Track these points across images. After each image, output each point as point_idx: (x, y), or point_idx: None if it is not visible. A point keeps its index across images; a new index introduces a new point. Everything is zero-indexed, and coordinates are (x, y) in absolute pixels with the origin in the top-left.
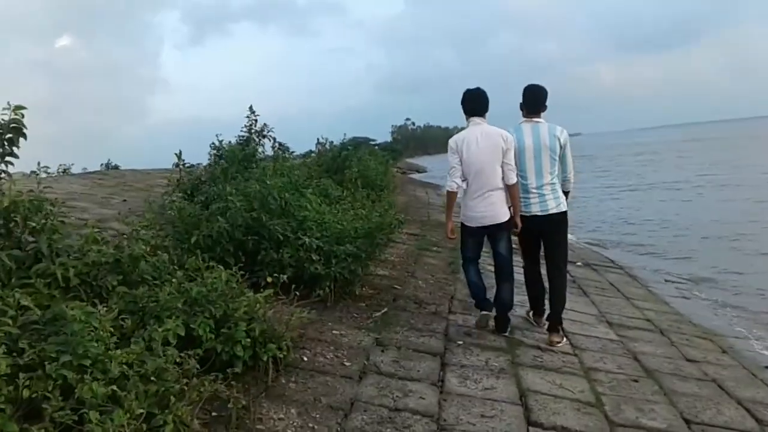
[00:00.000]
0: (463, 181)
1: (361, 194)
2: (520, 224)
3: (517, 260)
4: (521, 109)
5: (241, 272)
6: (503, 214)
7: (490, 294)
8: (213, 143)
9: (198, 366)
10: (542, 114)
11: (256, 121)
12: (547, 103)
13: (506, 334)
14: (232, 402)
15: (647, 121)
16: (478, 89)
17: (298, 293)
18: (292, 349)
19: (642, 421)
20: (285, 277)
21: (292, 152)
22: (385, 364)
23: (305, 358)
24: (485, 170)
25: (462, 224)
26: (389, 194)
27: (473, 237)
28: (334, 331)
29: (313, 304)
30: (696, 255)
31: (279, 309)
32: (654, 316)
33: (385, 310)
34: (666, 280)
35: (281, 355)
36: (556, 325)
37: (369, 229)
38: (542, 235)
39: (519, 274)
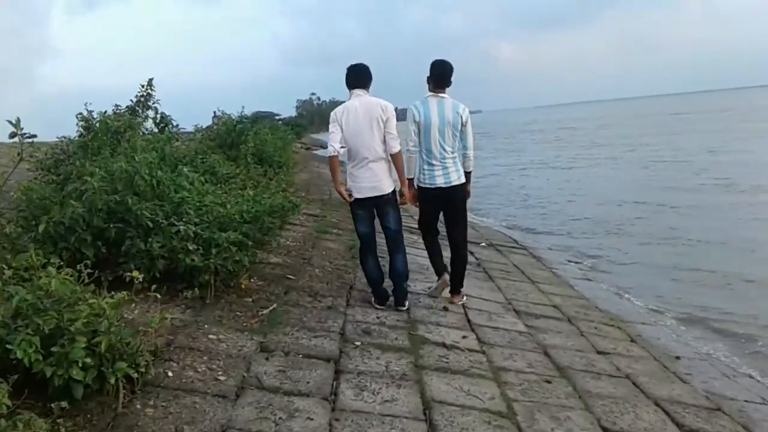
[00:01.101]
0: (342, 147)
1: (256, 172)
2: (408, 194)
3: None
4: (428, 82)
5: (100, 267)
6: (388, 185)
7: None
8: (80, 113)
9: (8, 402)
10: (447, 90)
11: (148, 93)
12: (452, 79)
13: (404, 307)
14: None
15: (548, 99)
16: (360, 64)
17: (170, 290)
18: (155, 363)
19: None
20: (153, 272)
21: (177, 125)
22: (268, 376)
23: (170, 374)
24: (365, 140)
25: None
26: (288, 172)
27: (361, 209)
28: (210, 336)
29: (189, 302)
30: (592, 234)
31: (144, 311)
32: (560, 302)
33: (274, 306)
34: (568, 261)
35: (136, 375)
36: (457, 287)
37: (257, 213)
38: (445, 206)
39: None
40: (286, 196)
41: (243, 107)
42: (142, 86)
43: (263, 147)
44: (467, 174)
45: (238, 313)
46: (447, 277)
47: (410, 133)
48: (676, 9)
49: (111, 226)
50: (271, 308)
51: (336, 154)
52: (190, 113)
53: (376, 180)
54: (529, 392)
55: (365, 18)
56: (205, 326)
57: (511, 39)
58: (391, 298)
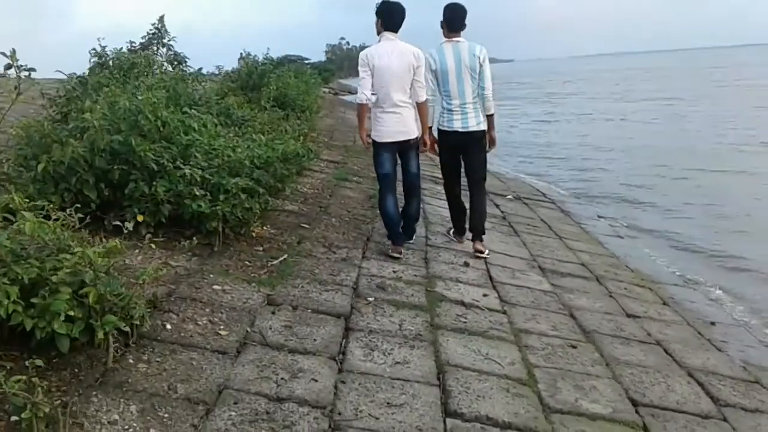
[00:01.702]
0: (373, 94)
1: (276, 115)
2: (429, 141)
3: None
4: (442, 27)
5: (104, 210)
6: (413, 130)
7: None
8: (94, 48)
9: None
10: (462, 33)
11: (159, 30)
12: (474, 25)
13: (412, 241)
14: (29, 407)
15: (582, 49)
16: (396, 2)
17: (177, 236)
18: (153, 315)
19: (582, 405)
20: (158, 217)
21: (200, 69)
22: (273, 332)
23: (168, 326)
24: (395, 85)
25: (374, 141)
26: (311, 116)
27: (386, 152)
28: (215, 286)
29: (196, 250)
30: (627, 189)
31: (147, 258)
32: (589, 260)
33: (285, 257)
34: (599, 216)
35: (126, 327)
36: (479, 234)
37: (269, 159)
38: (463, 152)
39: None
40: (304, 141)
41: (268, 49)
42: (153, 24)
43: (286, 90)
44: (489, 117)
45: (246, 262)
46: (465, 239)
47: (427, 82)
48: None
49: (114, 167)
50: (281, 258)
51: (367, 102)
52: (223, 55)
53: (403, 125)
54: (552, 358)
55: None
56: (211, 276)
57: None
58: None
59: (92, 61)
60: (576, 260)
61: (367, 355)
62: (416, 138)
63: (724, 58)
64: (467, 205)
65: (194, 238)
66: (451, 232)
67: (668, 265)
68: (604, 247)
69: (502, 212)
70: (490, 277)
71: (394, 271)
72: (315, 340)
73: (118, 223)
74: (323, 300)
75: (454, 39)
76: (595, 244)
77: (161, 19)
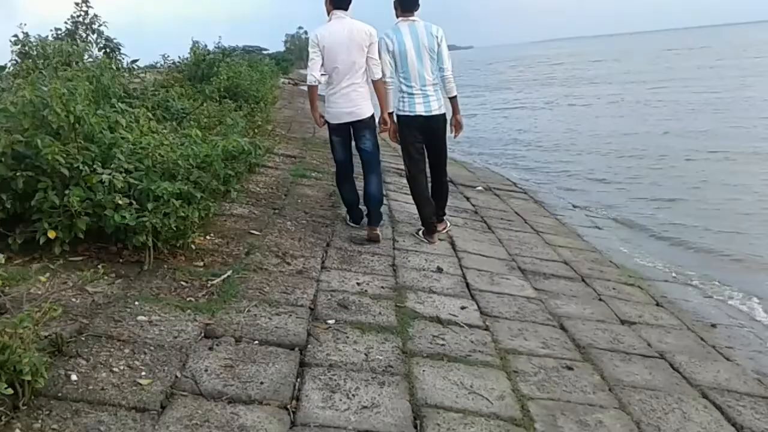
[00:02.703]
0: (322, 75)
1: (227, 107)
2: (387, 120)
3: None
4: (395, 8)
5: (9, 226)
6: (366, 110)
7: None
8: (15, 35)
9: None
10: (416, 13)
11: (86, 12)
12: (430, 9)
13: (378, 230)
14: None
15: (542, 34)
16: None
17: (102, 253)
18: (53, 364)
19: None
20: (74, 231)
21: (130, 58)
22: (210, 375)
23: (74, 377)
24: (346, 64)
25: (327, 123)
26: (267, 107)
27: (338, 135)
28: (140, 317)
29: (122, 269)
30: (598, 177)
31: (61, 283)
32: (571, 256)
33: (228, 273)
34: (573, 206)
35: (9, 390)
36: (440, 215)
37: (206, 158)
38: (426, 137)
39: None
40: (254, 135)
41: (220, 37)
42: (77, 4)
43: (238, 80)
44: (452, 100)
45: (182, 283)
46: (434, 239)
47: (385, 64)
48: None
49: (18, 174)
50: (224, 276)
51: (316, 83)
52: (176, 47)
53: (353, 105)
54: (547, 385)
55: None
56: (136, 303)
57: None
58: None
59: (13, 50)
60: (557, 258)
61: (327, 399)
62: (368, 117)
63: (683, 40)
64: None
65: (122, 255)
66: (421, 232)
67: (653, 259)
68: (583, 240)
69: (474, 206)
70: (467, 284)
71: (358, 283)
72: (262, 383)
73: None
74: (273, 327)
75: (410, 18)
76: (574, 237)
77: None
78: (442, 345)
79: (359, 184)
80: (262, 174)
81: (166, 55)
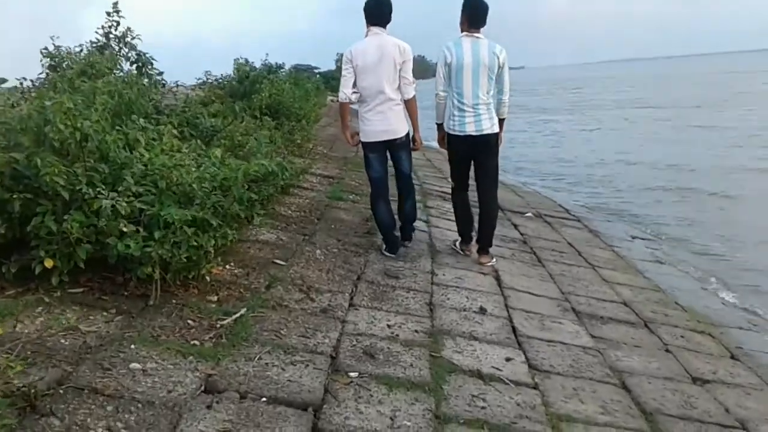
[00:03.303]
0: (354, 93)
1: (268, 124)
2: (419, 140)
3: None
4: (461, 24)
5: (5, 253)
6: (402, 129)
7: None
8: (45, 48)
9: None
10: (482, 30)
11: (117, 23)
12: (491, 26)
13: (408, 244)
14: None
15: (595, 56)
16: None
17: (107, 284)
18: (21, 423)
19: None
20: (73, 260)
21: (158, 72)
22: None
23: None
24: (380, 82)
25: (362, 142)
26: (310, 125)
27: (373, 152)
28: (133, 365)
29: (125, 303)
30: (654, 202)
31: (55, 318)
32: (631, 296)
33: (242, 312)
34: (633, 237)
35: None
36: (486, 247)
37: (223, 181)
38: (475, 157)
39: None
40: (289, 153)
41: (267, 54)
42: (108, 14)
43: (280, 97)
44: (501, 121)
45: (189, 321)
46: (472, 248)
47: (439, 77)
48: None
49: (15, 196)
50: (237, 315)
51: (347, 101)
52: (227, 64)
53: (388, 123)
54: None
55: None
56: (132, 346)
57: None
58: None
59: (44, 63)
60: (616, 298)
61: None
62: (404, 136)
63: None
64: (476, 215)
65: (127, 287)
66: (457, 243)
67: (724, 300)
68: (644, 276)
69: (522, 234)
70: (514, 329)
71: (389, 325)
72: None
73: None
74: (286, 380)
75: (474, 35)
76: (633, 273)
77: (115, 5)
78: (483, 408)
79: (394, 207)
80: (296, 196)
81: (208, 72)
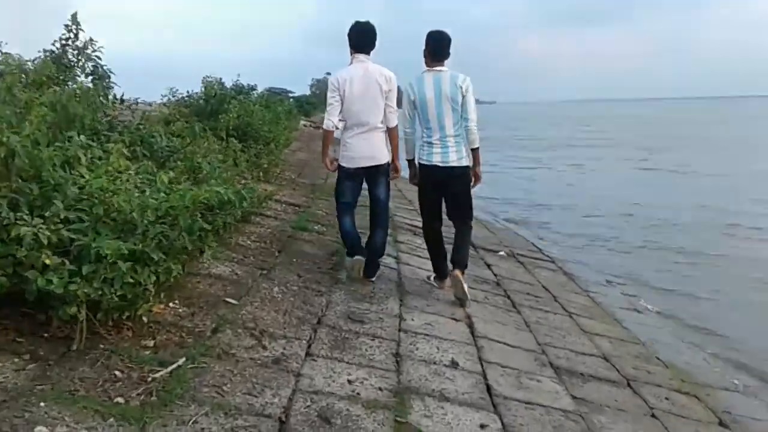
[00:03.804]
0: (340, 121)
1: (233, 146)
2: (398, 167)
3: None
4: (425, 57)
5: None
6: (383, 156)
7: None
8: None
9: None
10: (446, 62)
11: (76, 34)
12: (456, 64)
13: (373, 279)
14: None
15: (566, 94)
16: (367, 23)
17: (28, 322)
18: None
19: None
20: None
21: (123, 92)
22: None
23: None
24: (365, 109)
25: (339, 166)
26: (278, 149)
27: (351, 180)
28: (38, 429)
29: (44, 347)
30: (625, 242)
31: None
32: (611, 349)
33: (180, 362)
34: (607, 281)
35: None
36: (461, 263)
37: (169, 210)
38: (444, 190)
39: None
40: (245, 180)
41: (239, 75)
42: (66, 26)
43: (249, 119)
44: (474, 151)
45: (116, 373)
46: (446, 285)
47: (405, 114)
48: (704, 12)
49: None
50: (173, 366)
51: (333, 129)
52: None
53: (373, 150)
54: None
55: (392, 1)
56: (43, 403)
57: (535, 33)
58: (360, 269)
59: None
60: (595, 351)
61: None
62: (386, 163)
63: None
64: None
65: (50, 327)
66: (431, 278)
67: (706, 358)
68: (623, 327)
69: (495, 275)
70: (488, 387)
71: (350, 381)
72: None
73: None
74: None
75: (436, 68)
76: (611, 322)
77: (74, 17)
78: None
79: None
80: (258, 224)
81: (174, 89)
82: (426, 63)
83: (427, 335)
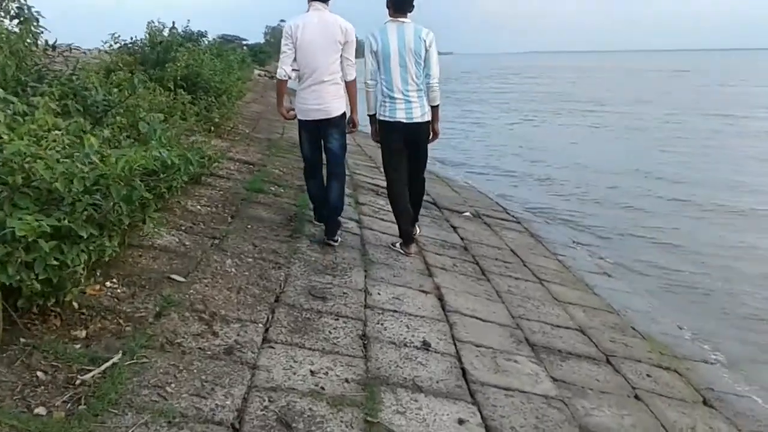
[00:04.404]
0: (294, 71)
1: (182, 98)
2: (356, 122)
3: None
4: (387, 7)
5: None
6: (336, 109)
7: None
8: None
9: None
10: (409, 15)
11: None
12: (418, 8)
13: (335, 241)
14: None
15: (525, 46)
16: None
17: None
18: None
19: None
20: None
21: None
22: None
23: None
24: (319, 60)
25: (298, 119)
26: (231, 101)
27: (306, 131)
28: None
29: None
30: (578, 192)
31: None
32: (585, 320)
33: (116, 359)
34: (574, 242)
35: None
36: (413, 221)
37: (99, 179)
38: (407, 144)
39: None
40: (189, 139)
41: (189, 21)
42: None
43: (198, 68)
44: (434, 108)
45: (39, 374)
46: (411, 249)
47: (367, 65)
48: None
49: None
50: (108, 363)
51: (286, 78)
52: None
53: (322, 102)
54: None
55: None
56: None
57: None
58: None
59: None
60: (571, 323)
61: None
62: (339, 116)
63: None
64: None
65: None
66: (397, 244)
67: (680, 325)
68: (594, 293)
69: (462, 239)
70: (463, 371)
71: (312, 371)
72: None
73: None
74: None
75: (400, 19)
76: (583, 288)
77: None
78: None
79: None
80: (209, 186)
81: (116, 35)
82: (389, 14)
83: (396, 312)
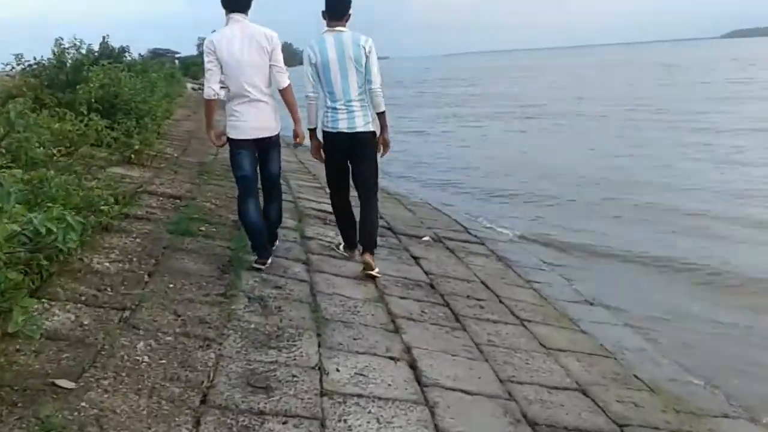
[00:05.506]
0: (222, 88)
1: (95, 125)
2: (300, 133)
3: None
4: (323, 17)
5: None
6: (275, 127)
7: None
8: None
9: None
10: (347, 23)
11: None
12: (354, 15)
13: (274, 247)
14: None
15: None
16: None
17: None
18: None
19: None
20: None
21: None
22: None
23: None
24: (247, 74)
25: (229, 139)
26: (155, 123)
27: (243, 149)
28: None
29: None
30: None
31: None
32: (584, 374)
33: None
34: (544, 262)
35: None
36: (371, 248)
37: None
38: (351, 157)
39: None
40: (94, 184)
41: (106, 36)
42: None
43: (117, 89)
44: (380, 116)
45: None
46: (357, 255)
47: (307, 77)
48: None
49: None
50: None
51: (215, 97)
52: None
53: (262, 119)
54: None
55: None
56: None
57: None
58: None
59: None
60: (569, 382)
61: None
62: (277, 135)
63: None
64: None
65: None
66: (341, 246)
67: (680, 360)
68: (582, 331)
69: (426, 273)
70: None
71: None
72: None
73: None
74: None
75: (337, 28)
76: (568, 325)
77: None
78: None
79: None
80: (122, 233)
81: (20, 56)
82: (326, 24)
83: (361, 397)
